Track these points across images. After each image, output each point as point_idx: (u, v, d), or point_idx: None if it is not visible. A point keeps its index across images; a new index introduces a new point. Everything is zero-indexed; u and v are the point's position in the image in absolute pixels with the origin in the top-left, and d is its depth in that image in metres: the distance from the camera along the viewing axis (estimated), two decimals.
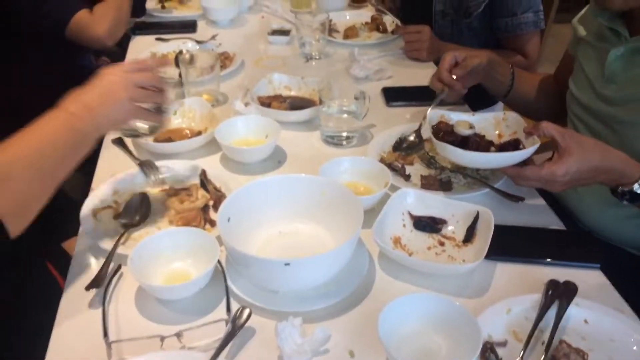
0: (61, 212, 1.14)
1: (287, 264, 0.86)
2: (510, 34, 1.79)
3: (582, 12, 1.35)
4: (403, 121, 1.43)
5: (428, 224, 1.07)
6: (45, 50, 1.78)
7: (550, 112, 1.47)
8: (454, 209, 1.08)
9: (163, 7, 2.14)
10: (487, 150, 1.15)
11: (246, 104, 1.44)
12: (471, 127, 1.19)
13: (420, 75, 1.67)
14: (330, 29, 1.89)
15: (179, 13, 2.08)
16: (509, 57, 1.81)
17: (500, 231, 1.01)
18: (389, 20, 1.97)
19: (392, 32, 1.82)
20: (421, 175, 1.22)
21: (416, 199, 1.09)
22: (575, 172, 1.01)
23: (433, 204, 1.09)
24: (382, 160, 1.25)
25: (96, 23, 1.71)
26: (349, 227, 0.96)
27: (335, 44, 1.84)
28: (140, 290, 0.95)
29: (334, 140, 1.35)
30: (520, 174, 1.05)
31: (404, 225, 1.07)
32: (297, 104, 1.48)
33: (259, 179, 1.06)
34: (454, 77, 1.30)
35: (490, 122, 1.22)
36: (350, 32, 1.89)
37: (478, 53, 1.34)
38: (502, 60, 1.38)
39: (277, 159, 1.28)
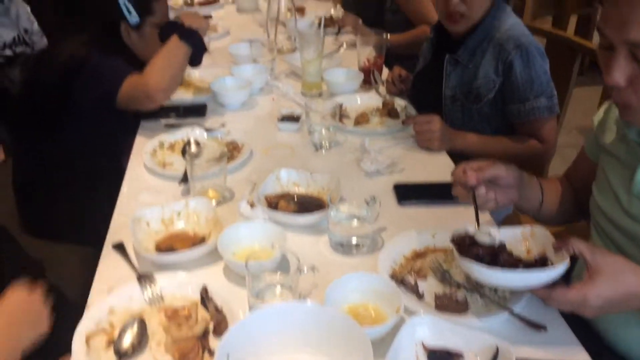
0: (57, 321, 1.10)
1: None
2: (524, 119, 1.74)
3: (601, 114, 1.29)
4: (416, 224, 1.37)
5: (443, 358, 0.99)
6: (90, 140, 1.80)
7: (569, 215, 1.40)
8: (472, 341, 1.00)
9: None
10: (515, 268, 1.07)
11: (252, 205, 1.39)
12: (491, 235, 1.12)
13: (433, 167, 1.62)
14: (340, 114, 1.86)
15: (188, 95, 2.06)
16: (524, 142, 1.76)
17: None
18: (401, 105, 1.93)
19: (403, 122, 1.77)
20: (435, 294, 1.15)
21: (430, 329, 1.02)
22: (608, 296, 0.95)
23: (448, 333, 1.01)
24: (393, 275, 1.18)
25: (146, 80, 1.69)
26: None
27: (346, 132, 1.80)
28: None
29: (343, 248, 1.29)
30: (550, 295, 0.98)
31: (417, 358, 1.00)
32: (306, 202, 1.43)
33: (259, 308, 1.00)
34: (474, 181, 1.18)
35: (517, 237, 1.15)
36: (361, 119, 1.86)
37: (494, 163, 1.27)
38: (529, 175, 1.30)
39: (282, 269, 1.22)
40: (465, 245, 1.12)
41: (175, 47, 1.76)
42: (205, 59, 2.28)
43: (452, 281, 1.18)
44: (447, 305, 1.12)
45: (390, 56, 2.19)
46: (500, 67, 1.70)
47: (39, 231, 1.87)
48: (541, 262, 1.06)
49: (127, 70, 1.74)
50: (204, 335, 1.05)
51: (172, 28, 1.81)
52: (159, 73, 1.72)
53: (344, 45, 2.40)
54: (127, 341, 1.03)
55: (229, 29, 2.73)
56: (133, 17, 1.81)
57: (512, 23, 1.74)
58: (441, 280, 1.19)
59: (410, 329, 1.00)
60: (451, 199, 1.30)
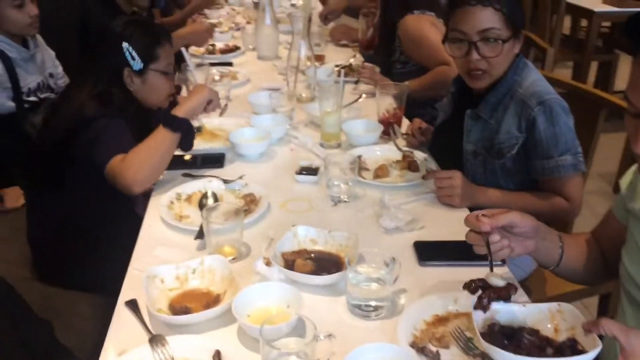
0: None
1: None
2: (548, 176, 1.70)
3: (629, 178, 1.26)
4: (438, 286, 1.32)
5: None
6: (96, 198, 1.80)
7: (594, 276, 1.35)
8: None
9: None
10: (543, 350, 1.02)
11: (268, 264, 1.36)
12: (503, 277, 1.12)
13: (454, 224, 1.57)
14: (360, 167, 1.84)
15: (206, 144, 2.06)
16: (548, 199, 1.71)
17: None
18: (421, 157, 1.91)
19: (423, 177, 1.75)
20: None
21: None
22: None
23: None
24: (414, 343, 1.14)
25: (124, 172, 1.65)
26: None
27: (365, 185, 1.77)
28: None
29: (360, 311, 1.25)
30: None
31: None
32: (323, 260, 1.40)
33: None
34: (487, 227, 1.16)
35: (544, 314, 1.11)
36: (381, 172, 1.83)
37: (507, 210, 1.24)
38: (548, 227, 1.27)
39: (298, 332, 1.18)
40: (476, 287, 1.12)
41: (159, 136, 1.71)
42: (224, 112, 2.30)
43: (476, 351, 1.13)
44: None
45: (408, 102, 2.17)
46: (523, 124, 1.68)
47: (52, 279, 1.86)
48: (570, 345, 1.01)
49: (119, 148, 1.69)
50: None
51: (160, 114, 1.79)
52: (139, 165, 1.66)
53: (363, 96, 2.40)
54: None
55: (249, 77, 2.75)
56: (136, 63, 1.82)
57: (534, 79, 1.72)
58: (464, 350, 1.14)
59: None
60: (474, 259, 1.27)
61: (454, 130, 1.85)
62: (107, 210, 1.83)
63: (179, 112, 1.77)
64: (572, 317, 1.06)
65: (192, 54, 2.99)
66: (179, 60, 2.23)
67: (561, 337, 1.06)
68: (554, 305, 1.09)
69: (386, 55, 2.69)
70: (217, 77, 2.60)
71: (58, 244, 1.84)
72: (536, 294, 1.88)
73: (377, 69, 2.59)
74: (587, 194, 2.24)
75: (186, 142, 1.79)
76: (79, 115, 1.73)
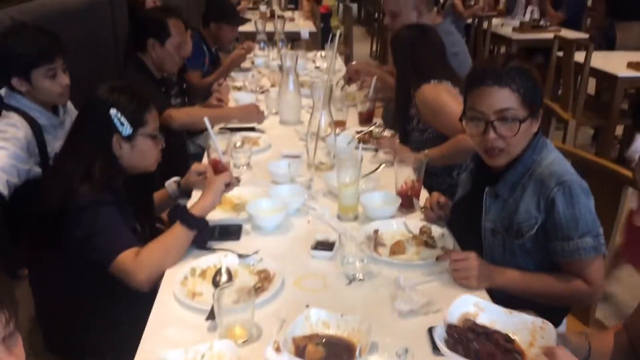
0: None
1: None
2: (568, 258, 1.65)
3: None
4: None
5: None
6: (93, 273, 1.76)
7: None
8: None
9: None
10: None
11: (277, 349, 1.33)
12: None
13: None
14: (376, 242, 1.82)
15: (224, 214, 2.07)
16: (568, 282, 1.66)
17: None
18: (438, 233, 1.88)
19: (437, 258, 1.72)
20: None
21: None
22: None
23: None
24: None
25: (137, 265, 1.67)
26: None
27: (381, 263, 1.75)
28: None
29: None
30: None
31: None
32: (335, 346, 1.37)
33: None
34: None
35: (527, 326, 1.23)
36: (397, 248, 1.81)
37: None
38: (578, 336, 1.24)
39: None
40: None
41: (176, 234, 1.75)
42: (245, 173, 2.32)
43: None
44: None
45: (426, 170, 2.16)
46: (542, 204, 1.65)
47: (60, 350, 1.85)
48: None
49: (120, 244, 1.69)
50: None
51: (177, 213, 1.79)
52: (152, 265, 1.68)
53: (382, 165, 2.41)
54: None
55: (270, 143, 2.79)
56: (126, 129, 1.81)
57: (553, 158, 1.71)
58: None
59: None
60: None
61: (473, 207, 1.83)
62: (111, 280, 1.83)
63: (197, 210, 1.79)
64: (549, 337, 1.12)
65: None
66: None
67: (531, 353, 1.13)
68: (538, 320, 1.16)
69: (404, 123, 2.70)
70: (238, 144, 2.64)
71: (64, 314, 1.83)
72: None
73: (397, 138, 2.60)
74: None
75: (201, 240, 1.81)
76: (67, 204, 1.69)
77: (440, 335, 1.27)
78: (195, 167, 2.24)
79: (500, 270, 1.67)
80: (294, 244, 1.91)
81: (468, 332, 1.29)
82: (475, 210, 1.82)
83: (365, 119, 3.06)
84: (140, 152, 1.87)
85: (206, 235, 1.83)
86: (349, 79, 3.46)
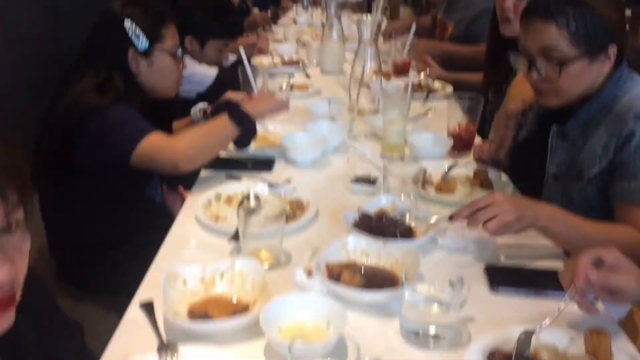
0: None
1: None
2: (626, 201, 1.37)
3: None
4: (513, 318, 1.07)
5: None
6: (107, 184, 1.64)
7: None
8: None
9: None
10: None
11: (309, 273, 1.16)
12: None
13: (532, 250, 1.33)
14: (424, 180, 1.62)
15: (257, 147, 1.90)
16: (623, 234, 1.39)
17: None
18: (495, 175, 1.66)
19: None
20: None
21: None
22: None
23: None
24: None
25: (174, 144, 1.57)
26: None
27: (428, 201, 1.54)
28: None
29: (417, 339, 1.02)
30: None
31: None
32: (375, 276, 1.18)
33: None
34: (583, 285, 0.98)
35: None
36: (446, 187, 1.60)
37: (626, 267, 1.00)
38: None
39: (337, 357, 0.95)
40: None
41: (221, 124, 1.65)
42: (282, 115, 2.15)
43: None
44: None
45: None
46: (612, 144, 1.39)
47: (74, 281, 1.71)
48: None
49: (144, 129, 1.57)
50: None
51: (227, 106, 1.71)
52: (192, 140, 1.60)
53: (433, 110, 2.19)
54: None
55: (320, 89, 2.60)
56: (141, 43, 1.66)
57: (638, 93, 1.46)
58: None
59: None
60: (559, 289, 1.04)
61: (537, 149, 1.59)
62: (124, 198, 1.69)
63: (250, 108, 1.69)
64: None
65: (257, 67, 2.88)
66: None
67: None
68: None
69: (499, 73, 2.42)
70: (284, 87, 2.49)
71: (77, 241, 1.69)
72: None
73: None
74: None
75: (244, 140, 1.70)
76: (75, 113, 1.56)
77: None
78: (229, 94, 2.07)
79: (541, 203, 1.39)
80: (330, 180, 1.72)
81: None
82: (538, 153, 1.58)
83: (400, 70, 2.84)
84: (159, 69, 1.71)
85: (251, 137, 1.71)
86: (389, 35, 3.26)
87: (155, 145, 1.56)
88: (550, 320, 0.99)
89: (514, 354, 0.94)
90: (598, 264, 0.99)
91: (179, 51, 1.77)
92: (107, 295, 1.63)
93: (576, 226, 1.33)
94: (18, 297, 0.77)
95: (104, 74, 1.63)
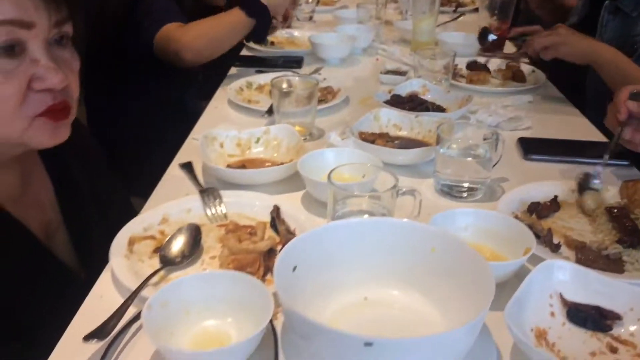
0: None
1: (368, 344, 0.54)
2: None
3: None
4: (547, 179, 1.08)
5: (591, 318, 0.71)
6: (149, 78, 1.67)
7: None
8: (635, 299, 0.71)
9: (272, 43, 1.98)
10: None
11: (343, 138, 1.17)
12: None
13: (568, 129, 1.33)
14: (455, 72, 1.61)
15: (286, 49, 1.90)
16: None
17: None
18: (528, 70, 1.64)
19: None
20: (576, 247, 0.86)
21: (572, 277, 0.73)
22: None
23: (600, 287, 0.72)
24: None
25: (183, 32, 1.53)
26: (470, 304, 0.63)
27: (459, 89, 1.54)
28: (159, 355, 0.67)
29: (452, 191, 1.03)
30: None
31: (552, 314, 0.72)
32: (408, 145, 1.19)
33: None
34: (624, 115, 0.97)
35: None
36: (477, 78, 1.59)
37: None
38: None
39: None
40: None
41: (233, 15, 1.58)
42: (308, 24, 2.13)
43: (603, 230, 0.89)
44: (594, 261, 0.82)
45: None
46: None
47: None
48: None
49: (169, 16, 1.56)
50: (269, 253, 0.82)
51: None
52: (200, 30, 1.55)
53: (463, 14, 2.16)
54: (176, 247, 0.83)
55: (347, 4, 2.56)
56: None
57: None
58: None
59: (546, 273, 0.73)
60: (587, 157, 1.05)
61: (585, 31, 1.57)
62: (163, 98, 1.72)
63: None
64: None
65: None
66: None
67: None
68: None
69: None
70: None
71: (117, 132, 1.73)
72: None
73: None
74: None
75: (260, 31, 1.63)
76: None
77: None
78: None
79: (600, 44, 1.40)
80: (360, 75, 1.71)
81: None
82: (588, 33, 1.55)
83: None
84: None
85: (266, 27, 1.64)
86: None
87: (169, 33, 1.55)
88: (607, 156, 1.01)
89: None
90: (637, 96, 0.98)
91: None
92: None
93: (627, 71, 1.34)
94: (73, 113, 0.80)
95: None
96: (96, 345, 0.67)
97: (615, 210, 0.92)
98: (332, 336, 0.57)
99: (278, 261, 0.66)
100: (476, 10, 2.38)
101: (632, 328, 0.69)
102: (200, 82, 1.94)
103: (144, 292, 0.74)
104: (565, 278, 0.73)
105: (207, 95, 2.03)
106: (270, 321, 0.66)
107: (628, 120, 0.99)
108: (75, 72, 0.79)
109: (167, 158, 1.17)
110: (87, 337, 0.65)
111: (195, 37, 1.53)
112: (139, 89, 1.72)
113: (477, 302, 0.61)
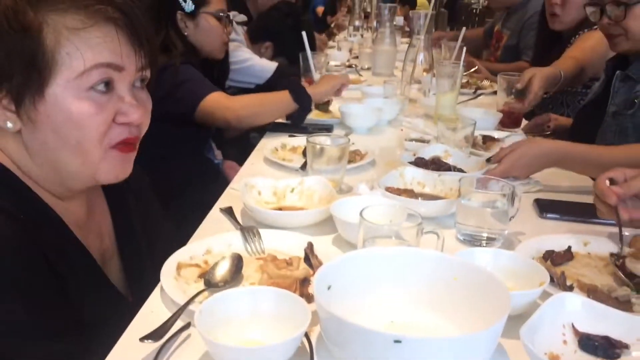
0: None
1: (397, 341, 0.61)
2: None
3: None
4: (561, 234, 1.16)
5: (601, 346, 0.76)
6: (172, 137, 1.81)
7: None
8: None
9: None
10: None
11: (372, 188, 1.27)
12: None
13: (578, 192, 1.41)
14: (474, 142, 1.72)
15: (316, 118, 2.04)
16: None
17: None
18: None
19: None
20: (588, 289, 0.92)
21: (583, 309, 0.80)
22: None
23: (609, 319, 0.79)
24: None
25: (234, 101, 1.77)
26: (489, 322, 0.70)
27: (479, 157, 1.64)
28: (207, 357, 0.74)
29: (472, 240, 1.11)
30: None
31: (565, 342, 0.78)
32: (431, 199, 1.28)
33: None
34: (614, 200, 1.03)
35: None
36: (492, 143, 1.70)
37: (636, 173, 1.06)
38: None
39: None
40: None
41: (279, 95, 1.82)
42: (337, 98, 2.29)
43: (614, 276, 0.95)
44: (604, 301, 0.88)
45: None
46: None
47: None
48: None
49: (211, 87, 1.80)
50: (304, 282, 0.91)
51: (290, 83, 1.90)
52: (247, 102, 1.83)
53: (483, 91, 2.30)
54: (219, 272, 0.91)
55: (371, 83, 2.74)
56: (188, 5, 1.87)
57: None
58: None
59: (559, 304, 0.79)
60: (601, 218, 1.12)
61: (600, 101, 1.71)
62: (185, 153, 1.91)
63: (310, 89, 1.86)
64: None
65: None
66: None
67: None
68: None
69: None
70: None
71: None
72: None
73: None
74: None
75: (300, 116, 1.84)
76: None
77: None
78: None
79: (556, 143, 1.44)
80: (386, 143, 1.84)
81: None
82: (601, 102, 1.69)
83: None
84: (205, 31, 1.92)
85: (307, 112, 1.85)
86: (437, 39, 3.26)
87: (216, 102, 1.77)
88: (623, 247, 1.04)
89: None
90: (612, 183, 1.04)
91: (224, 17, 1.97)
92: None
93: (586, 157, 1.40)
94: (136, 147, 0.92)
95: (163, 33, 1.84)
96: (150, 346, 0.75)
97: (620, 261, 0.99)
98: (363, 334, 0.64)
99: (316, 279, 0.74)
100: (494, 92, 2.54)
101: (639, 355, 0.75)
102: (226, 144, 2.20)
103: (191, 307, 0.82)
104: (577, 309, 0.79)
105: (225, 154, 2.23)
106: (306, 333, 0.74)
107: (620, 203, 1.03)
108: (149, 111, 0.92)
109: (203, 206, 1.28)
110: (143, 338, 0.73)
111: (242, 107, 1.78)
112: (175, 149, 1.88)
113: (495, 317, 0.68)
